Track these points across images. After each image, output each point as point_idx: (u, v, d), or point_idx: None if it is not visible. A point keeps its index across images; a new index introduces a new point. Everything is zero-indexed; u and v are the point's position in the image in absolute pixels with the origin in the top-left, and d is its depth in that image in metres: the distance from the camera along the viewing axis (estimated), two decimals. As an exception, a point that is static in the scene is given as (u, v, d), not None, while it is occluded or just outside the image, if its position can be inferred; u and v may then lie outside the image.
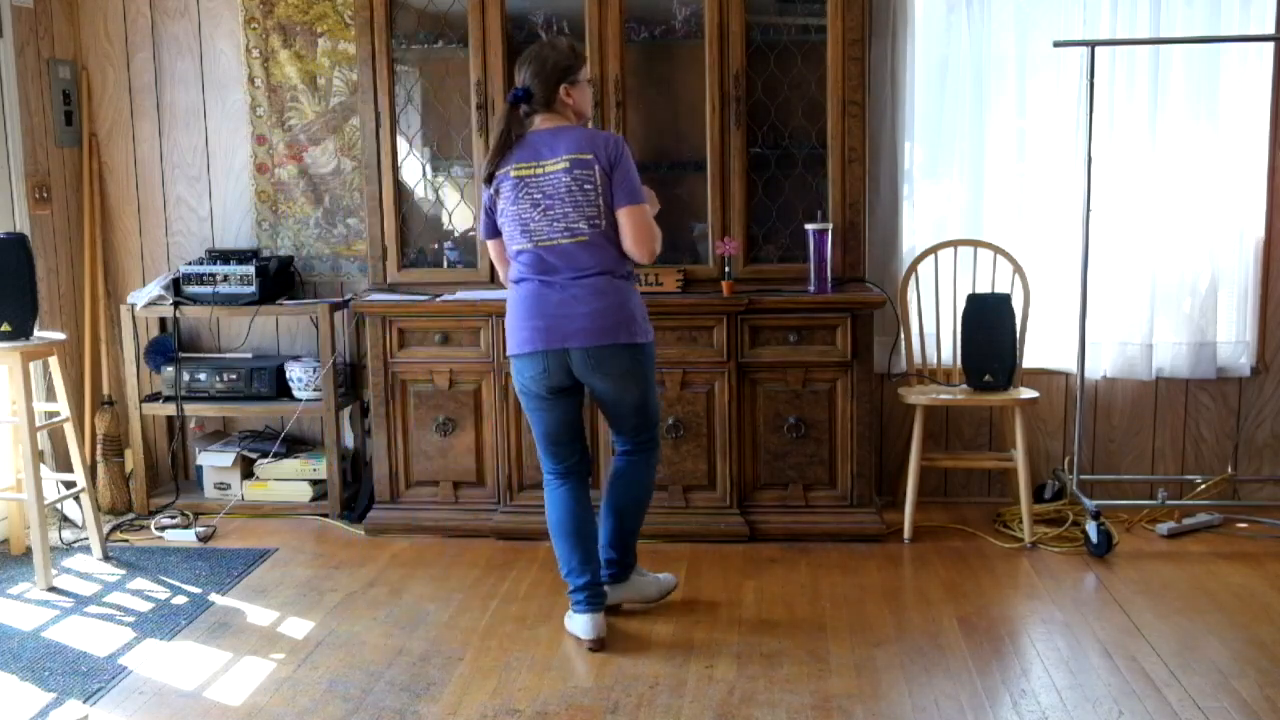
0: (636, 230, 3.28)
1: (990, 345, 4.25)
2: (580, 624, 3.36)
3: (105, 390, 4.87)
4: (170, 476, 4.94)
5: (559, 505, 3.46)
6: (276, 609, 3.70)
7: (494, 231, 3.43)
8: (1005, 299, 4.28)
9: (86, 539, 4.25)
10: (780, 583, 3.85)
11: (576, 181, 3.24)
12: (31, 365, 4.05)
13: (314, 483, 4.71)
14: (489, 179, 3.34)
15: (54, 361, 4.08)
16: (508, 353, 3.41)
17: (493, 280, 4.43)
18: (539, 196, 3.26)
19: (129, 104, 4.87)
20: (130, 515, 4.73)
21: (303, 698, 3.06)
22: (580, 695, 3.05)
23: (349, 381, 4.85)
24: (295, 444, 4.87)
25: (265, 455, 4.72)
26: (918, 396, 4.26)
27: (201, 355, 4.91)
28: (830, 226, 4.20)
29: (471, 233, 4.52)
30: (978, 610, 3.60)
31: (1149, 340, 4.55)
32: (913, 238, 4.63)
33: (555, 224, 3.26)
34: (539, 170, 3.26)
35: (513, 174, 3.28)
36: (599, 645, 3.33)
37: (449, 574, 3.99)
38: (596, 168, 3.24)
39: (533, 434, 3.52)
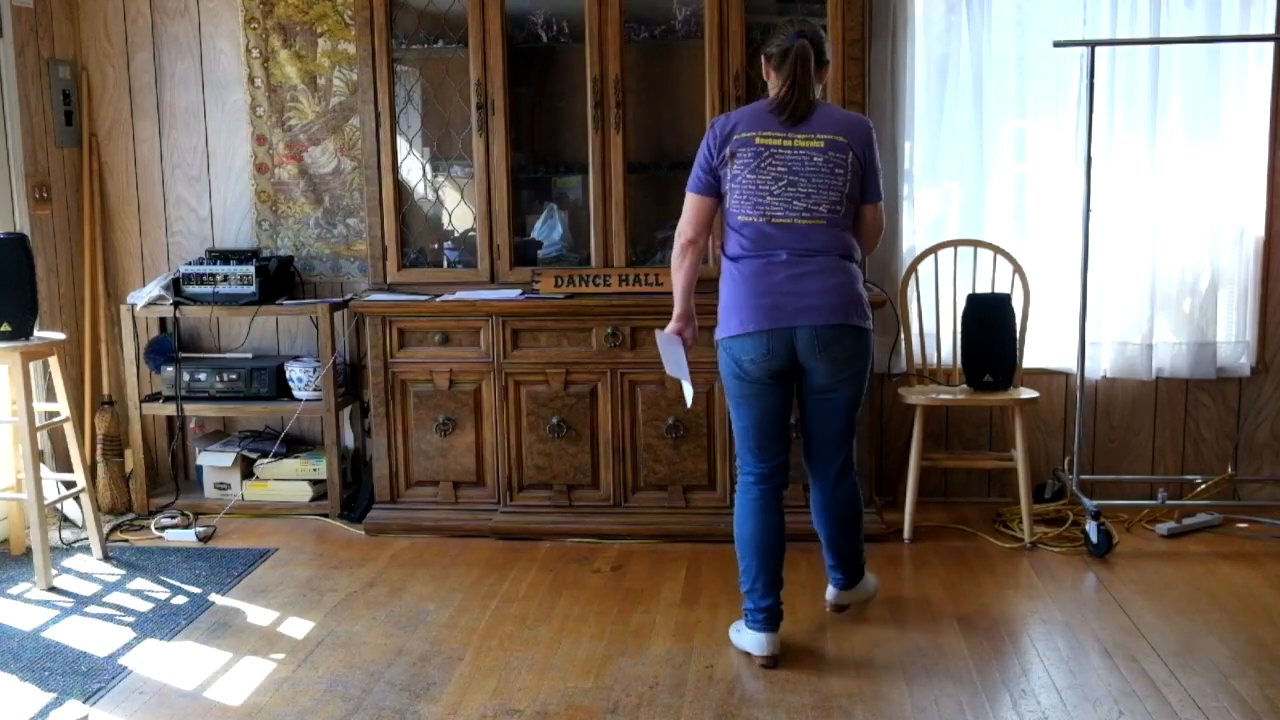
0: (875, 227, 3.27)
1: (990, 345, 4.26)
2: (754, 640, 3.23)
3: (105, 390, 4.87)
4: (170, 476, 4.94)
5: (756, 516, 3.26)
6: (276, 609, 3.70)
7: (712, 189, 3.17)
8: (1005, 299, 4.29)
9: (86, 539, 4.25)
10: (780, 583, 3.85)
11: (829, 164, 3.08)
12: (31, 365, 4.05)
13: (314, 483, 4.71)
14: (727, 138, 3.11)
15: (54, 361, 4.08)
16: (724, 334, 3.19)
17: (493, 280, 4.44)
18: (782, 170, 3.07)
19: (129, 104, 4.87)
20: (130, 515, 4.73)
21: (303, 698, 3.06)
22: (580, 695, 3.05)
23: (349, 381, 4.85)
24: (295, 444, 4.87)
25: (265, 455, 4.72)
26: (918, 396, 4.26)
27: (201, 355, 4.91)
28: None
29: (471, 232, 4.52)
30: (978, 610, 3.60)
31: (1149, 340, 4.55)
32: (913, 238, 4.63)
33: (794, 202, 3.08)
34: (788, 143, 3.08)
35: (758, 141, 3.08)
36: (774, 662, 3.21)
37: (449, 574, 3.99)
38: (850, 154, 3.10)
39: (735, 429, 3.31)
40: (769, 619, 3.24)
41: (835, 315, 3.11)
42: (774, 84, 3.19)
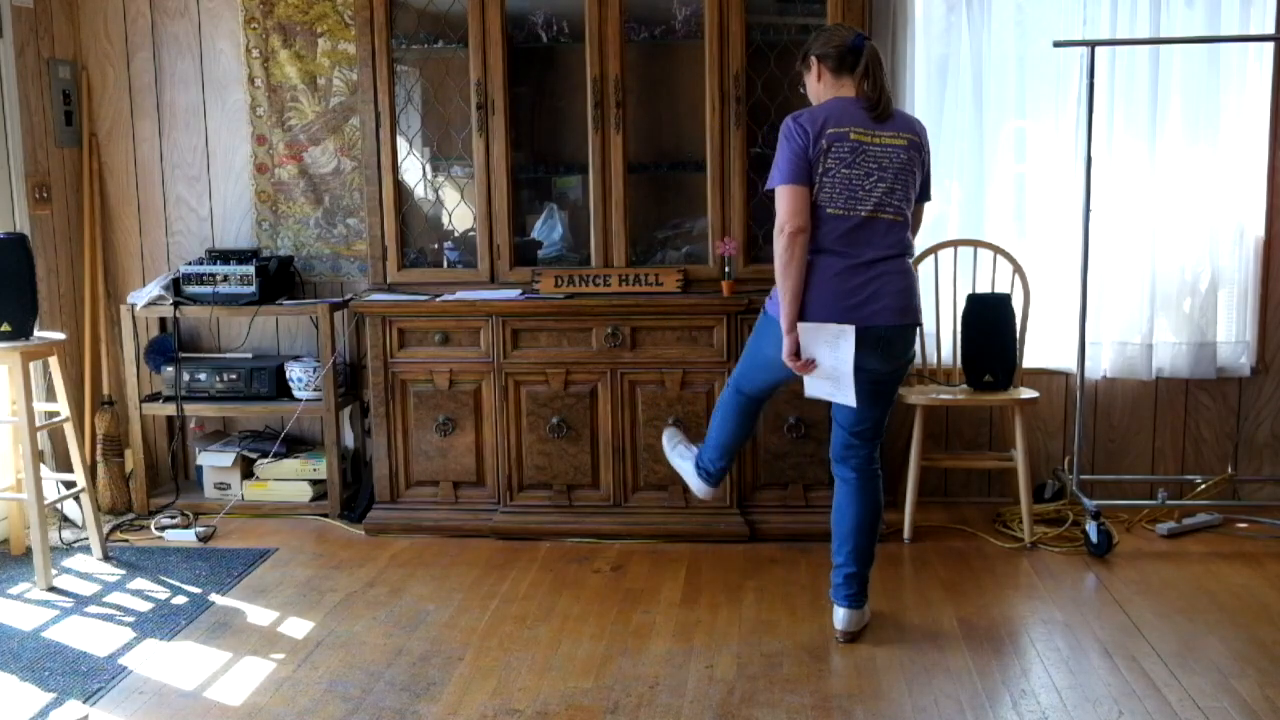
0: (919, 224, 3.47)
1: (990, 345, 4.26)
2: (699, 487, 3.66)
3: (105, 390, 4.87)
4: (170, 476, 4.94)
5: (747, 418, 3.53)
6: (276, 609, 3.70)
7: (809, 179, 3.17)
8: (1005, 299, 4.29)
9: (86, 539, 4.25)
10: (780, 583, 3.85)
11: (910, 162, 3.23)
12: (31, 365, 4.05)
13: (314, 483, 4.71)
14: (820, 133, 3.16)
15: (54, 361, 4.08)
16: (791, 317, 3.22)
17: (493, 280, 4.44)
18: (872, 166, 3.18)
19: (129, 104, 4.87)
20: (130, 515, 4.73)
21: (303, 698, 3.06)
22: (580, 695, 3.05)
23: (349, 381, 4.85)
24: (295, 444, 4.87)
25: (265, 455, 4.72)
26: (918, 397, 4.26)
27: (201, 355, 4.91)
28: (830, 226, 4.20)
29: (471, 232, 4.52)
30: (978, 610, 3.60)
31: (1149, 340, 4.55)
32: (913, 238, 4.63)
33: (883, 197, 3.20)
34: (875, 140, 3.19)
35: (853, 136, 3.16)
36: (706, 497, 3.72)
37: (449, 574, 3.99)
38: (922, 153, 3.28)
39: (746, 375, 3.46)
40: (716, 482, 3.66)
41: (903, 316, 3.25)
42: (830, 86, 3.27)
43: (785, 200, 3.17)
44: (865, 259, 3.19)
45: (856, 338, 3.16)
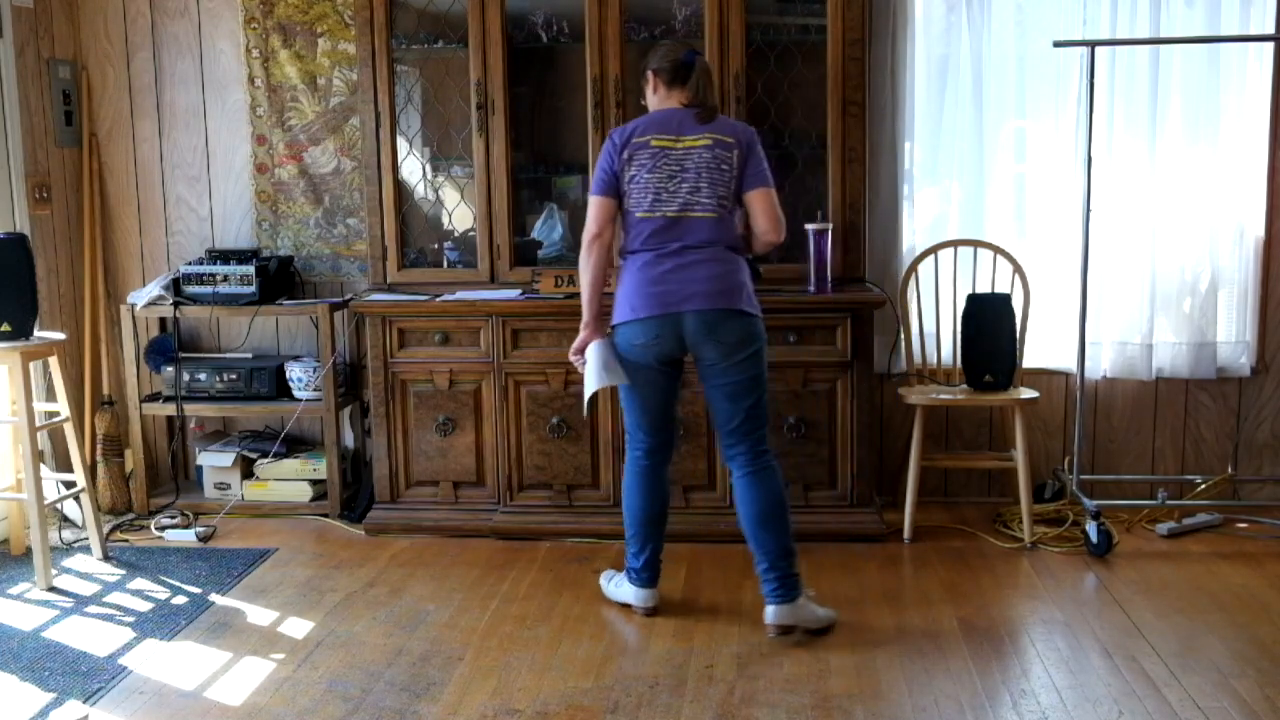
0: (769, 210, 3.43)
1: (990, 345, 4.26)
2: (637, 594, 3.59)
3: (105, 390, 4.87)
4: (170, 476, 4.95)
5: (643, 489, 3.58)
6: (276, 609, 3.70)
7: (613, 190, 3.43)
8: (1005, 299, 4.29)
9: (86, 539, 4.25)
10: (780, 583, 3.84)
11: (716, 160, 3.37)
12: (31, 365, 4.05)
13: (314, 483, 4.71)
14: (626, 144, 3.38)
15: (54, 361, 4.08)
16: (617, 320, 3.44)
17: (493, 280, 4.44)
18: (675, 169, 3.37)
19: (129, 104, 4.87)
20: (130, 515, 4.73)
21: (303, 698, 3.06)
22: (580, 695, 3.05)
23: (349, 381, 4.85)
24: (295, 444, 4.87)
25: (265, 455, 4.72)
26: (918, 397, 4.26)
27: (201, 355, 4.91)
28: (830, 226, 4.20)
29: (471, 232, 4.52)
30: (978, 610, 3.60)
31: (1149, 340, 4.55)
32: (913, 238, 4.63)
33: (690, 197, 3.36)
34: (678, 144, 3.37)
35: (653, 144, 3.38)
36: (653, 611, 3.58)
37: (449, 574, 3.99)
38: (735, 151, 3.39)
39: (624, 408, 3.58)
40: (652, 576, 3.60)
41: (720, 300, 3.35)
42: (662, 96, 3.47)
43: (591, 209, 3.45)
44: (671, 250, 3.37)
45: (674, 326, 3.34)
